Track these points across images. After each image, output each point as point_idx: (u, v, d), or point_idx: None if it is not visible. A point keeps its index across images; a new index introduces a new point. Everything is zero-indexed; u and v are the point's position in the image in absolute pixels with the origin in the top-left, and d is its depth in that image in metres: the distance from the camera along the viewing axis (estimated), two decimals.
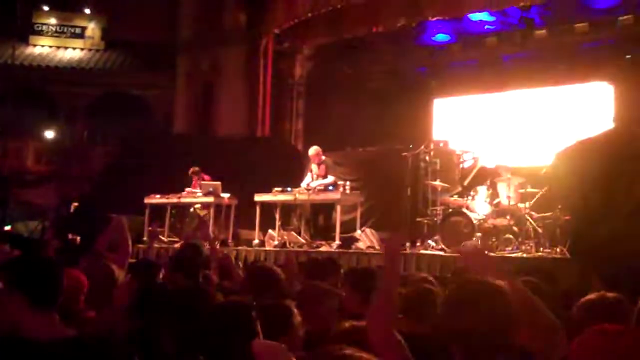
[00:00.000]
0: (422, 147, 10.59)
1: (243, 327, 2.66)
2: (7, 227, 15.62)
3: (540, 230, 8.95)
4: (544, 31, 13.66)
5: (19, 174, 17.75)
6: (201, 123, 16.43)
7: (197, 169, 12.18)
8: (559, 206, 8.88)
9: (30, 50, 20.12)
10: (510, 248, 8.95)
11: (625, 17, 12.68)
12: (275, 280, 4.09)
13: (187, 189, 12.03)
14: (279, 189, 11.18)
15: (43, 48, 20.27)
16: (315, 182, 11.16)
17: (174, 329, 3.09)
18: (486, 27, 14.40)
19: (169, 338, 3.09)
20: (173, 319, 3.14)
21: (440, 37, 14.99)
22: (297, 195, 11.01)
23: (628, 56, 12.81)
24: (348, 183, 10.94)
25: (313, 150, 11.45)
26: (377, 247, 10.17)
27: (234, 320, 2.71)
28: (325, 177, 11.18)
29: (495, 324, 2.08)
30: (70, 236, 12.87)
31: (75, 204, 14.93)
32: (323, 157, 11.37)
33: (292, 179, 11.93)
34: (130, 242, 4.85)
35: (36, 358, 2.45)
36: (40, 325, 2.55)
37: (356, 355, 1.92)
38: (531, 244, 8.80)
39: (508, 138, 13.09)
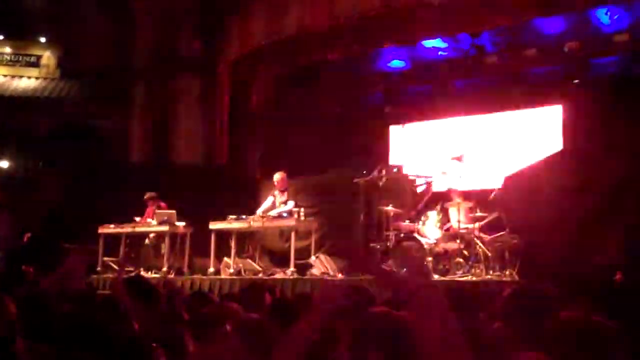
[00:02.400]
0: (375, 172, 10.69)
1: None
2: None
3: (489, 253, 9.07)
4: (494, 57, 13.95)
5: None
6: (158, 152, 16.34)
7: (153, 194, 12.13)
8: (507, 229, 9.02)
9: None
10: (460, 272, 9.06)
11: (571, 42, 13.03)
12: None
13: (137, 219, 11.94)
14: (234, 216, 11.18)
15: None
16: (277, 209, 11.15)
17: None
18: (439, 53, 14.66)
19: None
20: None
21: (396, 63, 15.21)
22: (252, 222, 11.03)
23: (575, 80, 13.14)
24: (302, 210, 10.98)
25: (278, 175, 11.47)
26: (332, 273, 10.21)
27: None
28: (286, 203, 11.20)
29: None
30: (23, 267, 12.66)
31: (29, 234, 14.69)
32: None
33: (249, 207, 11.94)
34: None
35: None
36: None
37: None
38: (481, 267, 8.92)
39: (461, 163, 13.27)
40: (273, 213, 11.11)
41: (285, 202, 11.19)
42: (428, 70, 14.89)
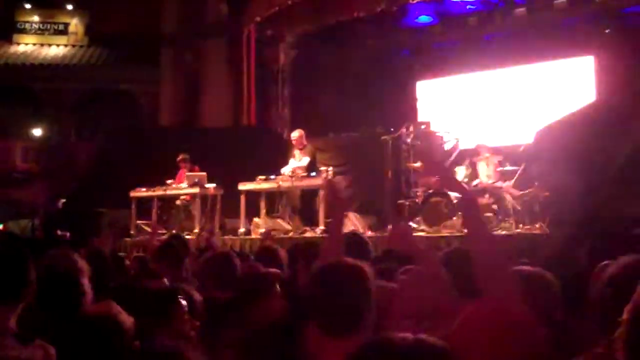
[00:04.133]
0: (403, 129, 10.61)
1: None
2: None
3: (519, 207, 9.01)
4: (523, 9, 13.69)
5: (6, 173, 17.77)
6: (187, 115, 16.44)
7: (185, 156, 12.17)
8: (536, 183, 8.93)
9: (14, 48, 20.08)
10: (490, 226, 9.01)
11: None
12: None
13: (169, 182, 12.03)
14: (263, 177, 11.21)
15: (27, 46, 20.24)
16: (290, 166, 11.17)
17: None
18: (468, 7, 14.42)
19: None
20: None
21: (423, 19, 15.02)
22: (281, 182, 11.04)
23: (607, 30, 12.85)
24: (331, 169, 10.95)
25: (296, 133, 11.45)
26: (361, 230, 10.22)
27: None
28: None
29: (352, 303, 2.15)
30: (59, 232, 12.89)
31: (63, 200, 14.95)
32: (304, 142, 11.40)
33: (278, 166, 11.97)
34: None
35: None
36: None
37: None
38: (511, 221, 8.86)
39: (490, 117, 13.14)
40: (286, 170, 11.09)
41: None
42: (456, 25, 14.69)
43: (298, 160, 11.24)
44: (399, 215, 9.74)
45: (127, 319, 2.22)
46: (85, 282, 3.03)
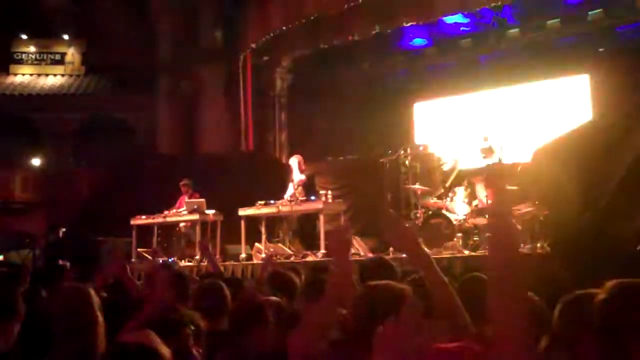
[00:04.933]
0: (401, 152, 10.67)
1: None
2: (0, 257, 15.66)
3: (519, 227, 9.02)
4: (516, 30, 13.82)
5: (6, 203, 17.78)
6: (185, 142, 16.51)
7: (187, 182, 12.24)
8: (536, 202, 8.96)
9: (11, 79, 20.15)
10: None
11: (595, 11, 12.85)
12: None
13: (166, 212, 12.09)
14: (262, 202, 11.26)
15: (24, 76, 20.32)
16: (289, 190, 11.27)
17: None
18: (461, 29, 14.55)
19: None
20: None
21: (418, 41, 15.13)
22: (280, 207, 11.09)
23: (601, 49, 12.97)
24: (330, 192, 11.02)
25: (294, 158, 11.56)
26: (363, 253, 10.24)
27: None
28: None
29: None
30: (60, 262, 12.88)
31: (64, 229, 14.95)
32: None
33: (277, 191, 12.02)
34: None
35: None
36: None
37: None
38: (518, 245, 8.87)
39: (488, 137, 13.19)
40: (286, 195, 11.19)
41: (300, 184, 11.33)
42: (451, 47, 14.81)
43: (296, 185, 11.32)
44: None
45: (166, 350, 2.25)
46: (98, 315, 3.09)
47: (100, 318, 3.06)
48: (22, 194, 18.30)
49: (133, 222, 12.29)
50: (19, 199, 18.17)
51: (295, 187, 11.33)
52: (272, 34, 14.89)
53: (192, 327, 3.15)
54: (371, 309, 2.26)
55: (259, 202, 11.33)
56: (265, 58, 16.09)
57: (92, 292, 3.33)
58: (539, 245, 8.72)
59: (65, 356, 2.79)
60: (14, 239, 16.98)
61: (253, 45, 15.52)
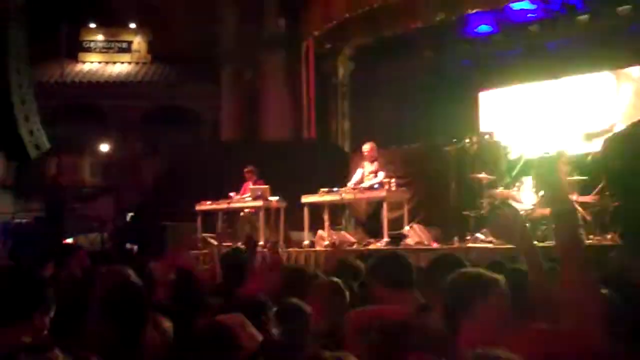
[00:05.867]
0: (466, 140, 10.56)
1: None
2: (69, 240, 16.11)
3: (588, 218, 8.85)
4: (586, 16, 13.47)
5: (75, 189, 18.30)
6: (248, 129, 16.69)
7: (252, 168, 12.35)
8: (607, 192, 8.77)
9: (79, 67, 20.71)
10: None
11: None
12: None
13: (232, 194, 12.22)
14: (325, 189, 11.30)
15: (92, 64, 20.85)
16: (368, 182, 11.19)
17: None
18: (528, 15, 14.27)
19: None
20: None
21: (483, 28, 14.90)
22: (344, 195, 11.11)
23: None
24: (394, 180, 10.98)
25: (367, 146, 11.49)
26: (426, 242, 10.20)
27: None
28: (376, 174, 11.19)
29: None
30: (127, 245, 13.21)
31: (131, 214, 15.31)
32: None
33: (339, 179, 12.05)
34: None
35: None
36: None
37: None
38: (581, 232, 8.70)
39: (555, 126, 12.94)
40: (365, 185, 11.16)
41: (374, 172, 11.20)
42: (517, 34, 14.52)
43: (367, 172, 11.26)
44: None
45: (250, 335, 2.31)
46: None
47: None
48: (90, 179, 18.84)
49: (198, 207, 12.49)
50: (88, 184, 18.71)
51: (367, 175, 11.28)
52: (335, 22, 14.89)
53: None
54: (459, 295, 2.26)
55: (322, 189, 11.37)
56: (328, 46, 16.10)
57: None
58: (609, 236, 8.55)
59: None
60: (82, 223, 17.47)
61: (316, 34, 15.55)
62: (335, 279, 4.00)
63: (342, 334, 2.81)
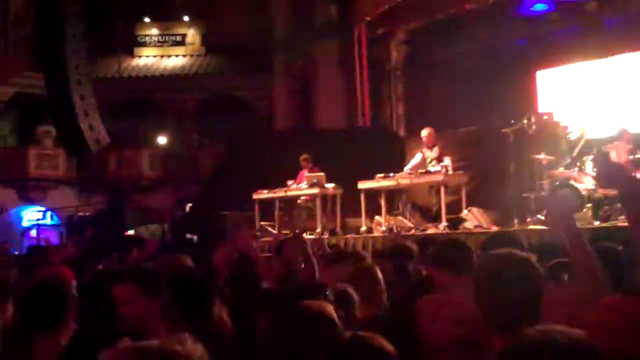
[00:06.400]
0: (524, 121, 10.35)
1: None
2: (131, 232, 16.48)
3: None
4: None
5: (135, 181, 18.68)
6: (302, 118, 16.74)
7: (307, 156, 12.35)
8: None
9: (135, 61, 21.07)
10: (623, 217, 8.64)
11: None
12: None
13: (290, 182, 12.26)
14: (382, 175, 11.25)
15: (147, 58, 21.19)
16: (432, 168, 11.01)
17: None
18: None
19: None
20: None
21: (539, 7, 14.58)
22: (400, 180, 11.04)
23: None
24: (450, 164, 10.85)
25: (426, 131, 11.35)
26: (485, 225, 10.07)
27: None
28: (440, 159, 11.01)
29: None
30: (187, 236, 13.42)
31: (190, 205, 15.55)
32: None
33: (395, 164, 11.98)
34: None
35: None
36: None
37: None
38: None
39: (615, 105, 12.61)
40: (431, 170, 10.97)
41: (437, 158, 11.02)
42: (574, 11, 14.16)
43: (430, 159, 11.11)
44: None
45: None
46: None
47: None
48: (149, 172, 19.18)
49: (255, 196, 12.58)
50: (147, 176, 19.05)
51: (430, 162, 11.13)
52: (386, 7, 14.78)
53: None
54: (491, 277, 2.22)
55: (378, 175, 11.32)
56: (380, 31, 16.00)
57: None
58: None
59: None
60: (143, 214, 17.85)
61: (368, 19, 15.47)
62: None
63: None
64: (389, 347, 1.88)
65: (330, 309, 2.44)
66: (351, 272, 3.91)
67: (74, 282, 4.18)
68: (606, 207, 8.91)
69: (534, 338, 1.46)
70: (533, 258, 2.27)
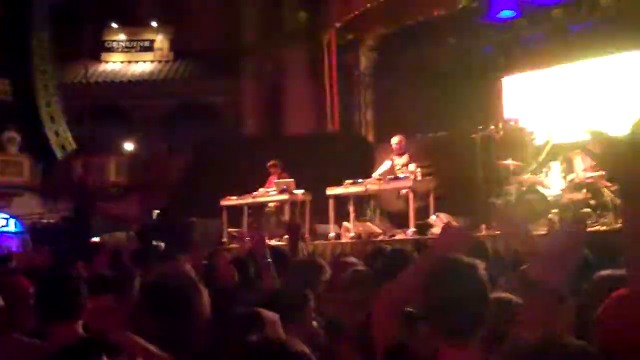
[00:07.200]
0: (492, 127, 10.42)
1: None
2: (96, 239, 16.24)
3: (618, 201, 8.68)
4: None
5: (101, 188, 18.44)
6: (270, 123, 16.69)
7: (275, 162, 12.30)
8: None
9: (102, 67, 20.84)
10: (589, 222, 8.71)
11: None
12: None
13: (261, 189, 12.20)
14: (350, 181, 11.22)
15: (115, 64, 20.96)
16: (401, 174, 10.98)
17: None
18: None
19: None
20: None
21: (506, 13, 14.70)
22: (368, 186, 11.02)
23: None
24: (419, 170, 10.87)
25: (396, 138, 11.33)
26: None
27: None
28: (408, 165, 11.00)
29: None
30: (154, 243, 13.25)
31: (157, 212, 15.37)
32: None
33: (364, 170, 11.97)
34: None
35: None
36: None
37: None
38: (610, 216, 8.56)
39: (580, 110, 12.74)
40: (400, 176, 10.95)
41: (406, 165, 11.03)
42: (541, 18, 14.31)
43: (400, 165, 11.09)
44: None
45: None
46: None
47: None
48: (116, 178, 18.94)
49: (223, 202, 12.49)
50: (113, 183, 18.82)
51: (399, 168, 11.10)
52: (356, 13, 14.80)
53: None
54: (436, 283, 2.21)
55: (347, 181, 11.30)
56: (350, 37, 16.02)
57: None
58: None
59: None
60: (108, 222, 17.60)
61: (337, 25, 15.48)
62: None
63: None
64: None
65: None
66: None
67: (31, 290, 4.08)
68: (572, 213, 8.98)
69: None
70: (480, 265, 2.24)
